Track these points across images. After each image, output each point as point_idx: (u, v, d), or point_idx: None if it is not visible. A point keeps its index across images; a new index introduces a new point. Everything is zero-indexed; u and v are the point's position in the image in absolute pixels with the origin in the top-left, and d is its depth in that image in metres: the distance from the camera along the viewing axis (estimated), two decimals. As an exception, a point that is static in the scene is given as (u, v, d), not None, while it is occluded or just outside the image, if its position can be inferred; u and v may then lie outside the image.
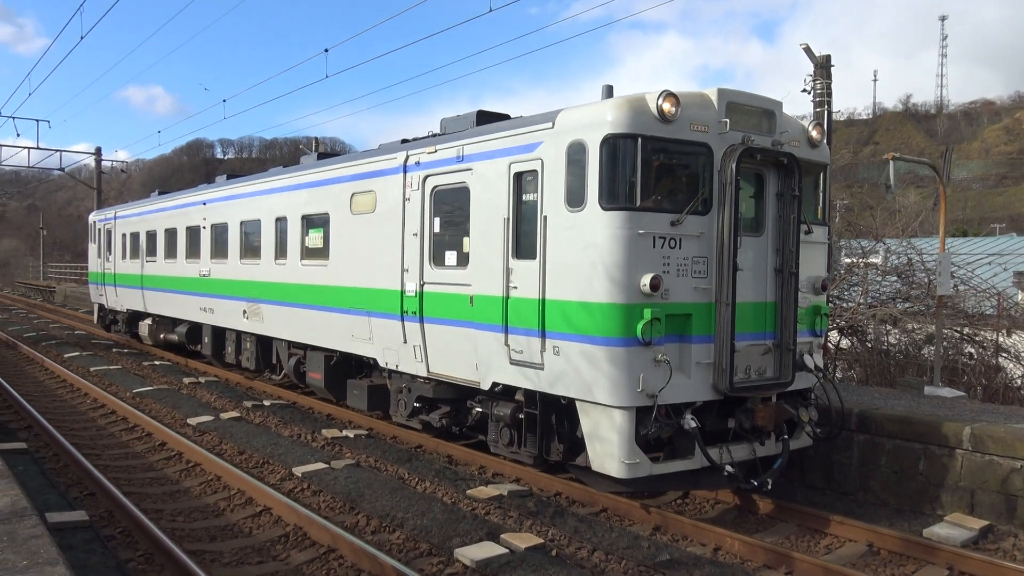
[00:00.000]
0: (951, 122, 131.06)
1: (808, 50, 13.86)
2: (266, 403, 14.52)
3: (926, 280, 16.19)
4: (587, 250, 7.89)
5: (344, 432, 12.23)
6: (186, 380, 17.03)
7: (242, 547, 7.72)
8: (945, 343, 14.94)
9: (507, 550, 7.21)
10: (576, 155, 8.06)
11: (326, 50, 19.61)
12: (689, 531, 8.26)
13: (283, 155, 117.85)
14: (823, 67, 13.86)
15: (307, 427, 12.67)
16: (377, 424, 12.76)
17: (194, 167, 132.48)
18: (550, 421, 8.86)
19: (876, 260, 17.20)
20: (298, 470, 9.93)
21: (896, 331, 16.29)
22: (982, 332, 15.99)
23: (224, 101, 32.73)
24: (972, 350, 15.92)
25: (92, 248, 26.19)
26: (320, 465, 10.07)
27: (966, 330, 16.09)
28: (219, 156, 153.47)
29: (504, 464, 10.24)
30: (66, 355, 21.15)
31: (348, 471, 9.80)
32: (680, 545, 7.97)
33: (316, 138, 30.76)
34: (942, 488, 8.79)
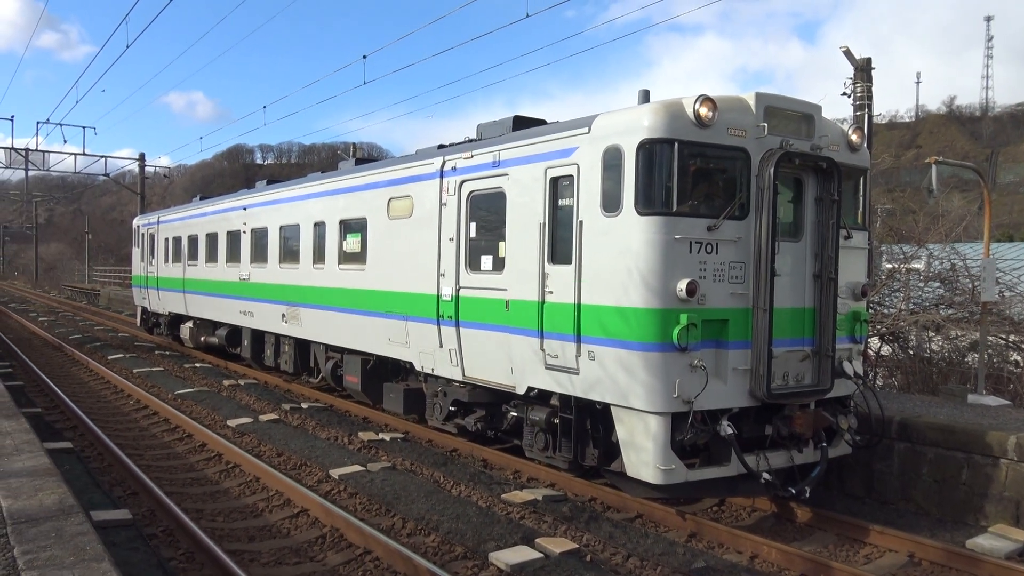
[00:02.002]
0: (997, 125, 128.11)
1: (848, 53, 13.69)
2: (304, 406, 14.70)
3: (970, 286, 15.84)
4: (623, 255, 7.88)
5: (380, 435, 12.33)
6: (226, 382, 17.30)
7: (280, 547, 7.83)
8: (990, 350, 14.61)
9: (541, 555, 7.22)
10: (612, 160, 8.06)
11: (364, 56, 19.88)
12: (725, 538, 8.19)
13: (321, 160, 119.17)
14: (863, 70, 13.68)
15: (344, 430, 12.80)
16: (413, 427, 12.84)
17: (234, 172, 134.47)
18: (585, 426, 8.85)
19: (918, 265, 16.88)
20: (335, 472, 10.04)
21: (939, 338, 15.97)
22: (1029, 340, 15.60)
23: (264, 107, 33.28)
24: (1018, 358, 15.54)
25: (136, 252, 26.72)
26: (357, 468, 10.17)
27: (1012, 337, 15.71)
28: (259, 162, 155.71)
29: (539, 469, 10.24)
30: (110, 357, 21.61)
31: (384, 474, 9.88)
32: (716, 552, 7.91)
33: (354, 144, 31.12)
34: (986, 498, 8.60)
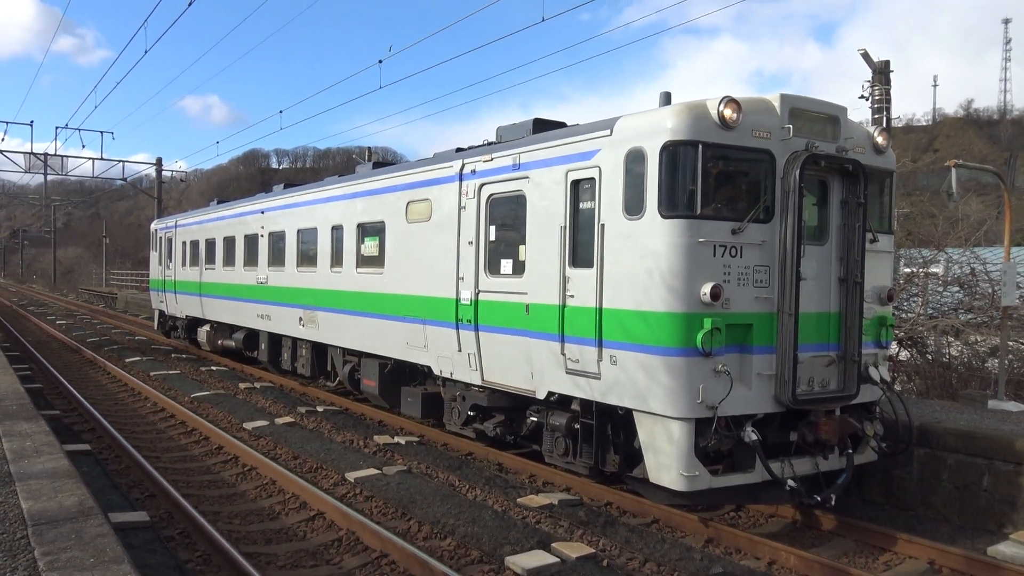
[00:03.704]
0: (1015, 128, 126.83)
1: (866, 56, 13.62)
2: (319, 409, 14.73)
3: (990, 291, 15.69)
4: (646, 259, 7.81)
5: (396, 439, 12.34)
6: (242, 385, 17.37)
7: (296, 550, 7.84)
8: (1011, 356, 14.45)
9: (558, 559, 7.20)
10: (635, 162, 7.98)
11: (380, 61, 19.95)
12: (743, 544, 8.13)
13: (336, 165, 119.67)
14: (882, 72, 13.62)
15: (359, 433, 12.82)
16: (428, 431, 12.84)
17: (250, 176, 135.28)
18: (606, 431, 8.78)
19: (937, 270, 16.74)
20: (351, 475, 10.05)
21: (958, 343, 15.82)
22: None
23: (280, 112, 33.44)
24: (1039, 363, 15.36)
25: (153, 256, 26.87)
26: (372, 471, 10.17)
27: (1032, 342, 15.54)
28: (274, 166, 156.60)
29: (555, 473, 10.21)
30: (127, 360, 21.75)
31: (400, 477, 9.88)
32: (733, 558, 7.86)
33: (369, 148, 31.14)
34: (1008, 505, 8.50)
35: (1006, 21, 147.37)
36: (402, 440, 12.19)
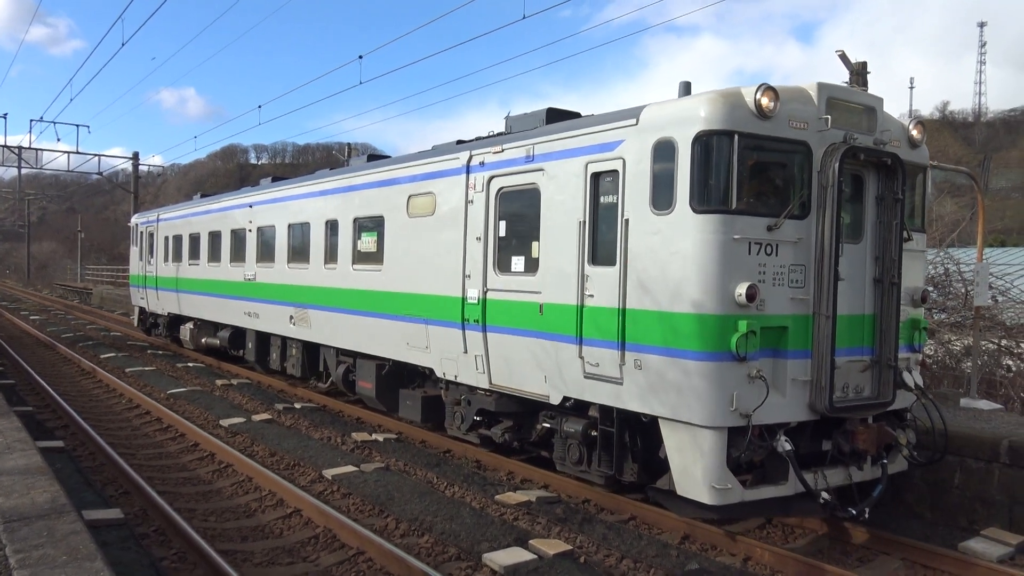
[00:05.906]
0: (990, 130, 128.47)
1: (843, 57, 13.72)
2: (297, 406, 14.66)
3: (963, 291, 15.91)
4: (675, 256, 7.39)
5: (374, 436, 12.30)
6: (219, 382, 17.25)
7: (273, 548, 7.81)
8: (985, 355, 14.66)
9: (535, 556, 7.22)
10: (664, 154, 7.56)
11: (360, 56, 19.88)
12: (718, 540, 8.18)
13: (316, 160, 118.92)
14: (859, 74, 13.71)
15: (337, 430, 12.77)
16: (406, 428, 12.80)
17: (228, 172, 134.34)
18: (625, 440, 8.44)
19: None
20: (328, 473, 10.02)
21: (931, 342, 16.02)
22: (1022, 344, 15.66)
23: (260, 107, 33.22)
24: (1011, 363, 15.60)
25: (134, 251, 26.28)
26: (350, 468, 10.14)
27: (1004, 342, 15.78)
28: (253, 161, 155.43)
29: (532, 470, 10.22)
30: (102, 356, 21.53)
31: (377, 474, 9.86)
32: (709, 555, 7.91)
33: (349, 144, 31.01)
34: (978, 502, 8.63)
35: (981, 24, 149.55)
36: (380, 437, 12.16)
